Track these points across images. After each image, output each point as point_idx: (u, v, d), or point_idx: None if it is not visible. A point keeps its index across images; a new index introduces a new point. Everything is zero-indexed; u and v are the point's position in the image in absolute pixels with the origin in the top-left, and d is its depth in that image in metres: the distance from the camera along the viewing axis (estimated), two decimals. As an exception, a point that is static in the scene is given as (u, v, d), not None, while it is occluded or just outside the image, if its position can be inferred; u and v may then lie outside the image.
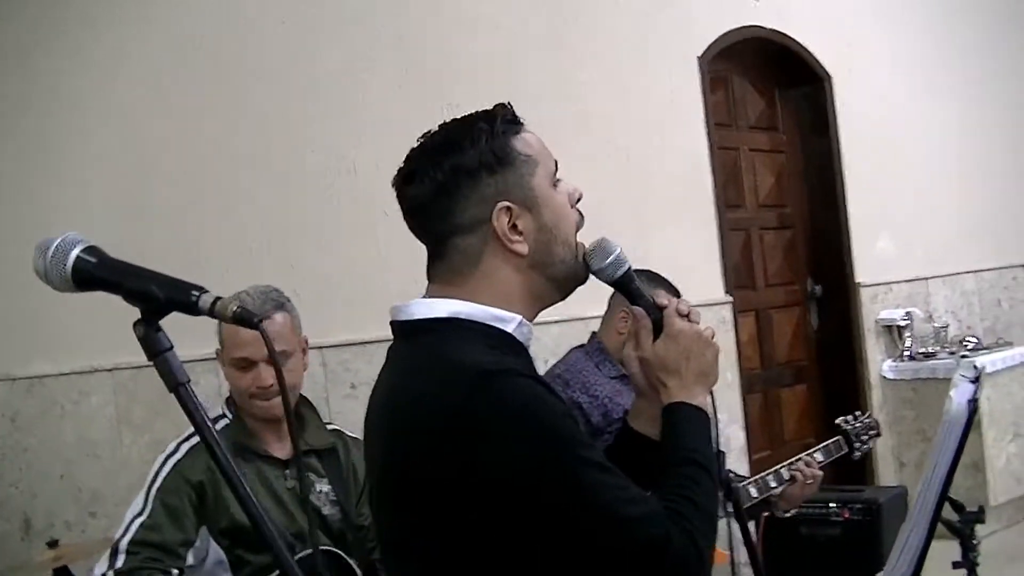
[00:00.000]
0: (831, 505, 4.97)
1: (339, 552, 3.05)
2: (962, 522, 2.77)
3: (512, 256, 1.87)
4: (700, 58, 6.10)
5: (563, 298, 1.99)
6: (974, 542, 2.80)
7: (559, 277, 1.93)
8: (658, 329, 2.00)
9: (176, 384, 1.54)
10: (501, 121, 1.90)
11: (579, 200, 1.99)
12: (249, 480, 2.94)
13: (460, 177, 1.85)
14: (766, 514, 5.09)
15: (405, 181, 1.90)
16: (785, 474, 3.69)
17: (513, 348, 1.87)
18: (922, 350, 6.96)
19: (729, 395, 5.98)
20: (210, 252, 4.60)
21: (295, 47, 4.89)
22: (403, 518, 1.85)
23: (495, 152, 1.86)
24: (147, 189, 4.64)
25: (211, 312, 1.52)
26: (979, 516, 2.80)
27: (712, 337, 2.02)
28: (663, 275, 3.75)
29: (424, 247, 1.96)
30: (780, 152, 6.98)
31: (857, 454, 3.96)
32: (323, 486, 3.13)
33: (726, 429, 5.85)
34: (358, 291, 4.77)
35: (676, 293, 3.61)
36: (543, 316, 1.99)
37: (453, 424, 1.73)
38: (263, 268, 4.45)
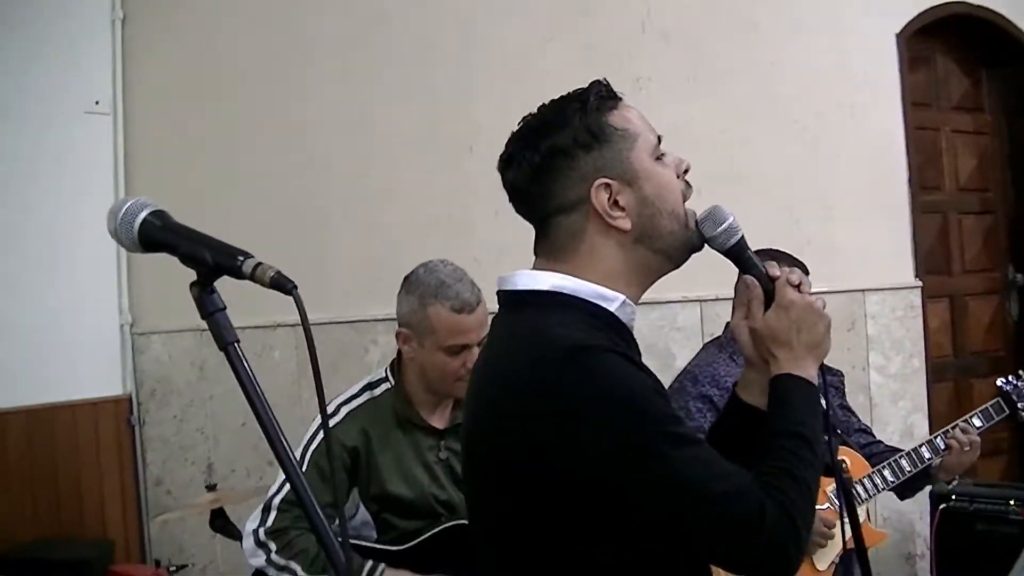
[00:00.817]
0: (1011, 503, 4.77)
1: None
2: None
3: (615, 232, 1.88)
4: (899, 35, 5.91)
5: (677, 267, 1.98)
6: None
7: (669, 248, 1.93)
8: (770, 299, 1.99)
9: (226, 343, 1.62)
10: (595, 98, 1.91)
11: (687, 171, 1.97)
12: (402, 448, 3.03)
13: (556, 158, 1.87)
14: (942, 506, 4.98)
15: (505, 166, 1.94)
16: (940, 443, 3.57)
17: (615, 327, 1.88)
18: None
19: (915, 382, 5.81)
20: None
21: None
22: (492, 489, 1.89)
23: (589, 129, 1.88)
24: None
25: (252, 276, 1.58)
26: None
27: (823, 308, 1.99)
28: (794, 256, 3.65)
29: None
30: (984, 134, 6.69)
31: (1022, 415, 3.77)
32: None
33: (909, 417, 5.69)
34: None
35: (804, 269, 3.54)
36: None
37: (542, 398, 1.75)
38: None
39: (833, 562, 3.52)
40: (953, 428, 3.61)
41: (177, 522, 4.83)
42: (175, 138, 5.00)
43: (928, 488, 3.89)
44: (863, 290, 5.64)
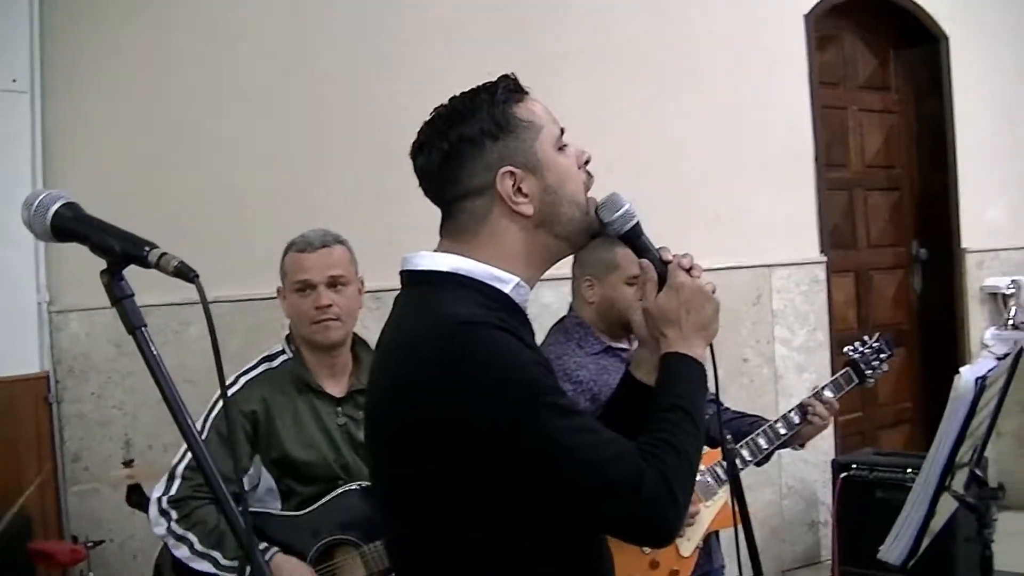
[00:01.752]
0: (908, 471, 4.96)
1: None
2: (979, 498, 2.77)
3: (518, 217, 1.99)
4: (807, 15, 6.06)
5: (575, 250, 2.12)
6: (992, 519, 2.81)
7: (569, 233, 2.04)
8: (663, 282, 2.09)
9: (133, 327, 1.72)
10: (503, 91, 2.01)
11: (587, 162, 2.07)
12: (301, 413, 3.14)
13: (464, 145, 1.98)
14: (843, 475, 5.16)
15: (416, 152, 2.04)
16: (795, 418, 3.65)
17: (508, 307, 1.98)
18: (1026, 319, 6.85)
19: (819, 354, 5.99)
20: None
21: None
22: (390, 463, 1.99)
23: (496, 120, 1.98)
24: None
25: (157, 265, 1.69)
26: (995, 493, 2.80)
27: (713, 292, 2.10)
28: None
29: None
30: (891, 112, 6.91)
31: (870, 381, 3.85)
32: None
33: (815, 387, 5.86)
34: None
35: None
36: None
37: (432, 370, 1.86)
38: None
39: (697, 547, 3.63)
40: (812, 398, 3.66)
41: (95, 498, 4.88)
42: (94, 117, 4.98)
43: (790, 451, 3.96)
44: (769, 265, 5.81)
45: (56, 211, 1.73)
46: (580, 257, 3.48)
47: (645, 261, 2.12)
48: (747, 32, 5.84)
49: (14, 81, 5.00)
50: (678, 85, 5.61)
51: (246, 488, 3.17)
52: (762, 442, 3.62)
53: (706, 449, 3.63)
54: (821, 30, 6.23)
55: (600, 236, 2.11)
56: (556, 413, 1.85)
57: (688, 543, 3.60)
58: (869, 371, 3.81)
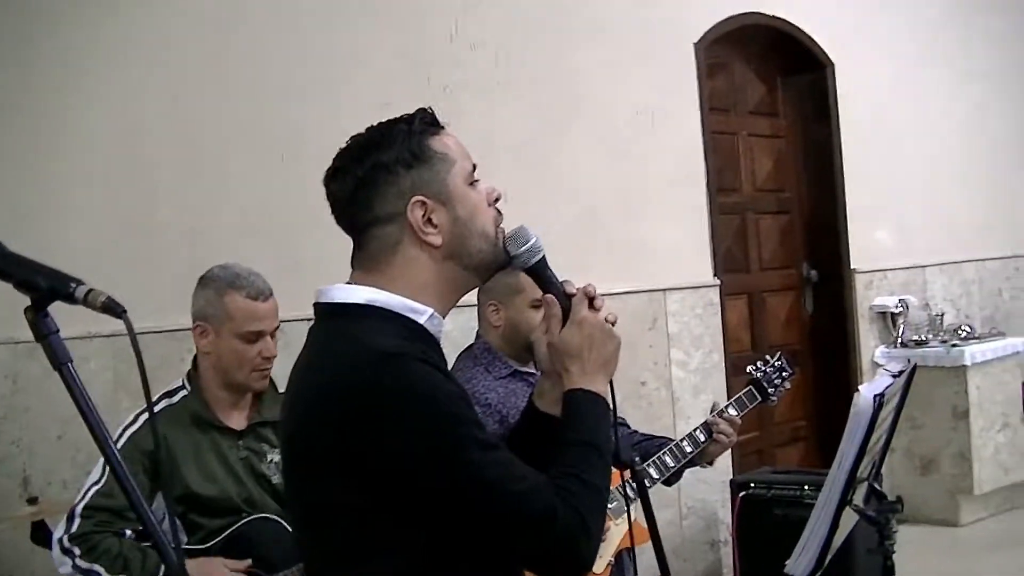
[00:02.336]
0: (805, 488, 5.07)
1: (283, 521, 3.20)
2: (879, 511, 2.85)
3: (427, 247, 2.01)
4: (696, 44, 6.19)
5: (483, 282, 2.16)
6: (892, 531, 2.89)
7: (477, 265, 2.07)
8: (567, 316, 2.12)
9: (59, 363, 1.74)
10: (419, 122, 2.05)
11: (497, 200, 2.12)
12: (201, 449, 3.14)
13: (378, 172, 2.00)
14: (742, 494, 5.24)
15: (330, 178, 2.07)
16: (701, 436, 3.74)
17: (424, 339, 2.01)
18: (915, 337, 7.04)
19: (715, 376, 6.10)
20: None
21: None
22: (310, 492, 2.00)
23: (411, 150, 2.01)
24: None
25: (84, 301, 1.71)
26: (894, 506, 2.89)
27: (614, 325, 2.14)
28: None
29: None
30: (779, 137, 7.07)
31: (773, 400, 3.99)
32: (275, 456, 3.29)
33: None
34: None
35: None
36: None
37: (355, 401, 1.87)
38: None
39: (609, 563, 3.68)
40: (717, 416, 3.77)
41: (-8, 536, 4.80)
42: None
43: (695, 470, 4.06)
44: (664, 289, 5.89)
45: None
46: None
47: (550, 296, 2.15)
48: (639, 60, 5.94)
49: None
50: (571, 113, 5.68)
51: None
52: (668, 460, 3.70)
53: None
54: (711, 58, 6.36)
55: (506, 268, 2.15)
56: (476, 447, 1.88)
57: (600, 559, 3.64)
58: (772, 389, 3.93)
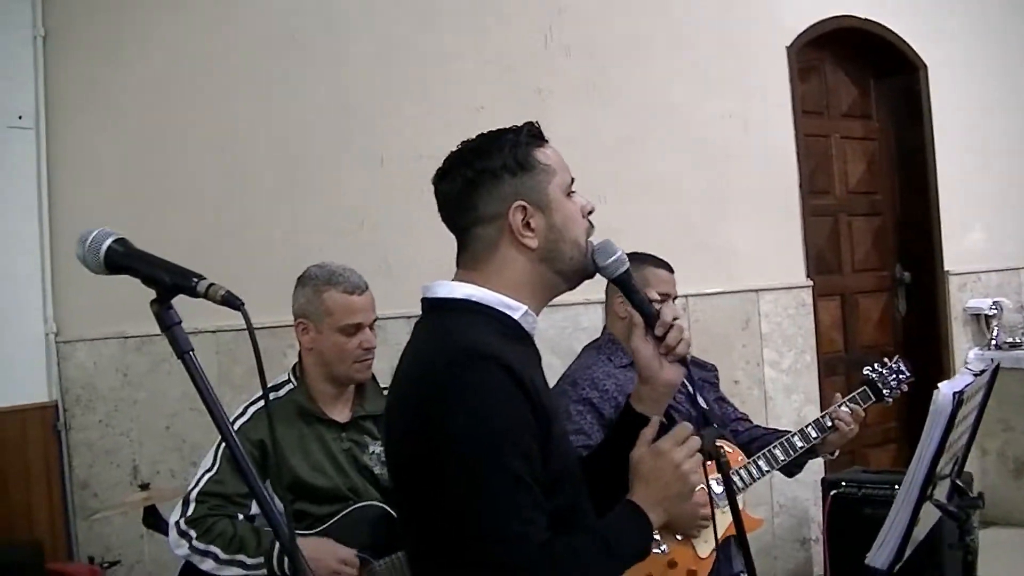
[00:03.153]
0: (895, 487, 5.09)
1: (386, 507, 3.36)
2: (959, 507, 2.91)
3: (524, 248, 2.18)
4: (789, 48, 6.24)
5: (571, 288, 2.29)
6: (973, 526, 2.95)
7: (567, 271, 2.23)
8: (649, 324, 2.28)
9: (182, 352, 1.89)
10: (526, 134, 2.23)
11: (591, 212, 2.27)
12: (307, 440, 3.30)
13: (485, 176, 2.18)
14: (833, 492, 5.30)
15: (440, 179, 2.24)
16: (812, 432, 3.90)
17: (518, 334, 2.17)
18: (1009, 339, 7.00)
19: (807, 376, 6.15)
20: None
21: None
22: (404, 479, 2.16)
23: (517, 159, 2.18)
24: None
25: (205, 295, 1.86)
26: (975, 502, 2.95)
27: (689, 474, 2.18)
28: (659, 256, 3.99)
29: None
30: (872, 140, 7.07)
31: (888, 400, 4.11)
32: (376, 448, 3.44)
33: (802, 409, 6.01)
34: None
35: (669, 269, 3.86)
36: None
37: (427, 392, 2.05)
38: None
39: (714, 549, 3.79)
40: (835, 409, 3.90)
41: (104, 523, 5.00)
42: (98, 150, 5.13)
43: (812, 463, 4.18)
44: (757, 290, 5.96)
45: (108, 246, 1.89)
46: None
47: (632, 309, 2.31)
48: (731, 65, 6.02)
49: (20, 118, 5.15)
50: (663, 117, 5.77)
51: (255, 511, 3.34)
52: (779, 453, 3.86)
53: (731, 449, 3.84)
54: (803, 61, 6.41)
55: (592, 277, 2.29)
56: (505, 474, 1.98)
57: (705, 544, 3.76)
58: (887, 390, 4.05)
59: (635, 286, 2.29)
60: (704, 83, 5.91)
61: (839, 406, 3.92)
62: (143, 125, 5.13)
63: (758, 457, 3.88)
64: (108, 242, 1.89)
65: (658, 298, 2.30)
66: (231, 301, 1.86)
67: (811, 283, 6.20)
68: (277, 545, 3.20)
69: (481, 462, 1.97)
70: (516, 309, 2.17)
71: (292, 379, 3.52)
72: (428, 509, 2.05)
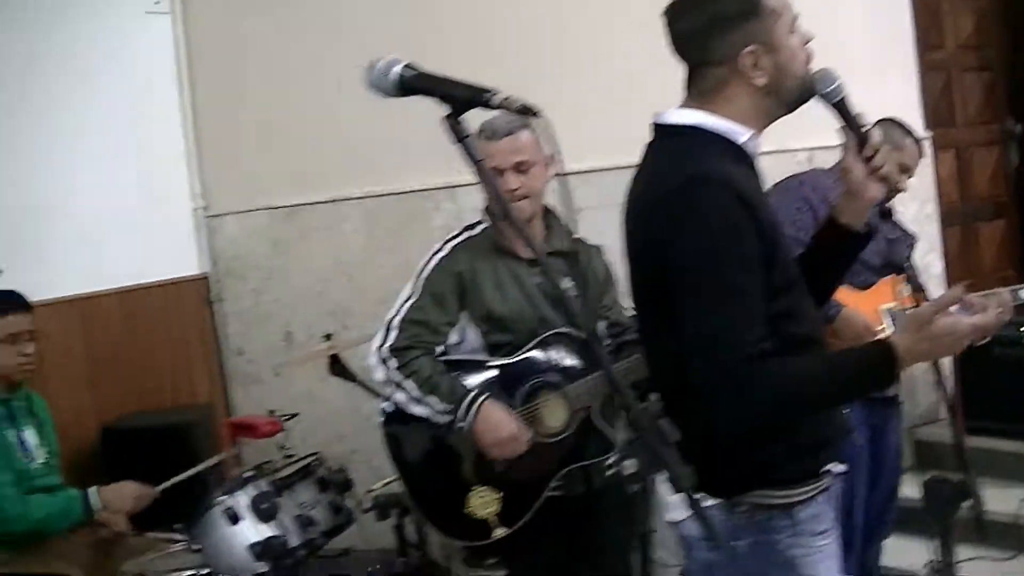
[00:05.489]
0: (1021, 328, 5.21)
1: (578, 335, 3.53)
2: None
3: (752, 86, 2.34)
4: (901, -101, 6.22)
5: (790, 112, 2.43)
6: None
7: (790, 100, 2.39)
8: (861, 145, 2.44)
9: (475, 161, 2.04)
10: None
11: (809, 42, 2.41)
12: (501, 274, 3.47)
13: (719, 20, 2.33)
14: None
15: (674, 17, 2.39)
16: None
17: (741, 157, 2.35)
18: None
19: (929, 226, 6.22)
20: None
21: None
22: (640, 300, 2.40)
23: (749, 5, 2.32)
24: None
25: (500, 106, 2.02)
26: None
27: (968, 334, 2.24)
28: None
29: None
30: (983, -6, 7.05)
31: None
32: (565, 282, 3.59)
33: (925, 257, 6.08)
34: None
35: (910, 134, 4.12)
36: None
37: (662, 211, 2.25)
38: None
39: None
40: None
41: (258, 387, 5.27)
42: (233, 33, 5.28)
43: None
44: (879, 142, 6.00)
45: (400, 71, 2.04)
46: None
47: (847, 128, 2.47)
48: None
49: (156, 3, 5.30)
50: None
51: (454, 340, 3.53)
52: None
53: None
54: (914, -84, 6.38)
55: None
56: (735, 274, 2.17)
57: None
58: None
59: (850, 111, 2.44)
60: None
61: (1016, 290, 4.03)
62: (277, 6, 5.24)
63: None
64: (398, 68, 2.04)
65: (869, 125, 2.47)
66: (527, 109, 2.03)
67: (930, 134, 6.24)
68: (469, 397, 3.40)
69: (710, 276, 2.17)
70: (742, 134, 2.34)
71: (485, 218, 3.66)
72: (663, 323, 2.26)
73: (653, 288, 2.31)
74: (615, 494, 3.69)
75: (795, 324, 2.29)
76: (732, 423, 2.18)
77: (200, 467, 4.07)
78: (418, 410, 3.44)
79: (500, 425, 3.40)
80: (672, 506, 2.28)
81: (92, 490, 3.81)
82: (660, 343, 2.37)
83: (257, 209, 5.24)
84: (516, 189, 3.49)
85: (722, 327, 2.14)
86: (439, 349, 3.52)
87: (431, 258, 3.57)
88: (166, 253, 5.29)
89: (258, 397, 5.25)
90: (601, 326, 3.63)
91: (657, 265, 2.25)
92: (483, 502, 3.44)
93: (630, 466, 1.75)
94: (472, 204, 4.83)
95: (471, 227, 3.66)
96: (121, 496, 3.84)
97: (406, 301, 3.53)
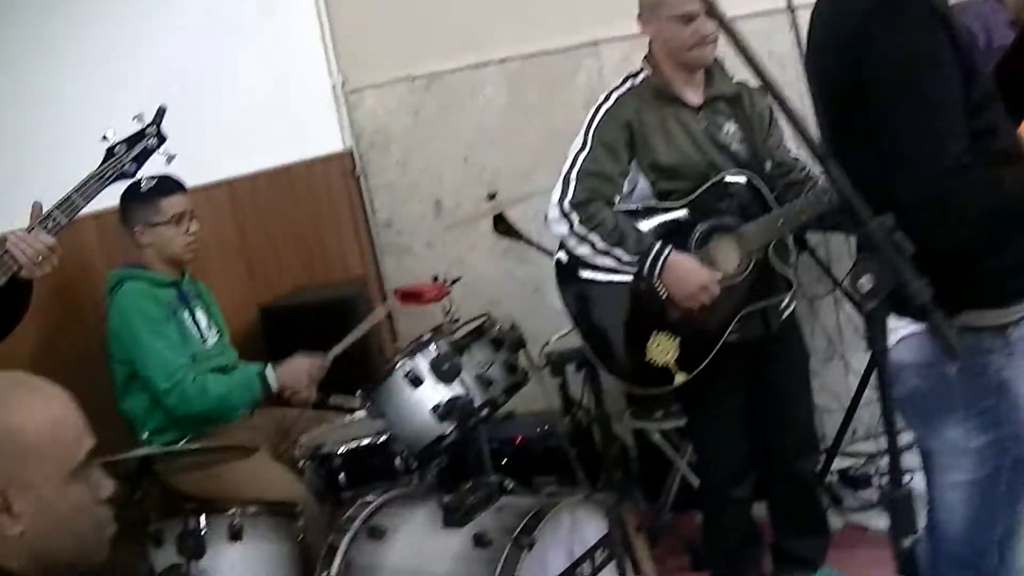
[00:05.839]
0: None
1: (748, 178, 3.51)
2: None
3: None
4: None
5: None
6: None
7: None
8: None
9: None
10: None
11: None
12: (667, 122, 3.44)
13: None
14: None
15: None
16: None
17: None
18: None
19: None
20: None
21: None
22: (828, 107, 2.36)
23: None
24: None
25: None
26: None
27: None
28: None
29: None
30: None
31: None
32: (730, 126, 3.54)
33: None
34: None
35: None
36: None
37: (856, 30, 2.23)
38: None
39: None
40: None
41: (409, 258, 5.31)
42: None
43: None
44: None
45: None
46: None
47: None
48: None
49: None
50: None
51: (625, 190, 3.49)
52: None
53: None
54: None
55: None
56: (933, 76, 2.16)
57: None
58: None
59: None
60: None
61: None
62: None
63: None
64: None
65: None
66: None
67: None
68: (656, 246, 3.38)
69: (909, 92, 2.15)
70: None
71: (645, 67, 3.60)
72: (860, 142, 2.23)
73: (848, 106, 2.27)
74: (793, 336, 3.68)
75: (996, 140, 2.25)
76: (939, 238, 2.14)
77: (362, 328, 4.08)
78: (604, 261, 3.44)
79: (690, 275, 3.40)
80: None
81: (268, 367, 3.88)
82: (859, 163, 2.31)
83: (395, 80, 5.22)
84: (709, 35, 3.44)
85: (923, 141, 2.13)
86: (616, 200, 3.49)
87: (598, 109, 3.54)
88: (309, 132, 5.31)
89: (410, 267, 5.30)
90: (768, 166, 3.58)
91: (851, 82, 2.21)
92: (662, 349, 3.46)
93: (866, 283, 1.69)
94: (614, 59, 4.79)
95: (632, 76, 3.61)
96: (295, 371, 3.90)
97: (578, 153, 3.50)
